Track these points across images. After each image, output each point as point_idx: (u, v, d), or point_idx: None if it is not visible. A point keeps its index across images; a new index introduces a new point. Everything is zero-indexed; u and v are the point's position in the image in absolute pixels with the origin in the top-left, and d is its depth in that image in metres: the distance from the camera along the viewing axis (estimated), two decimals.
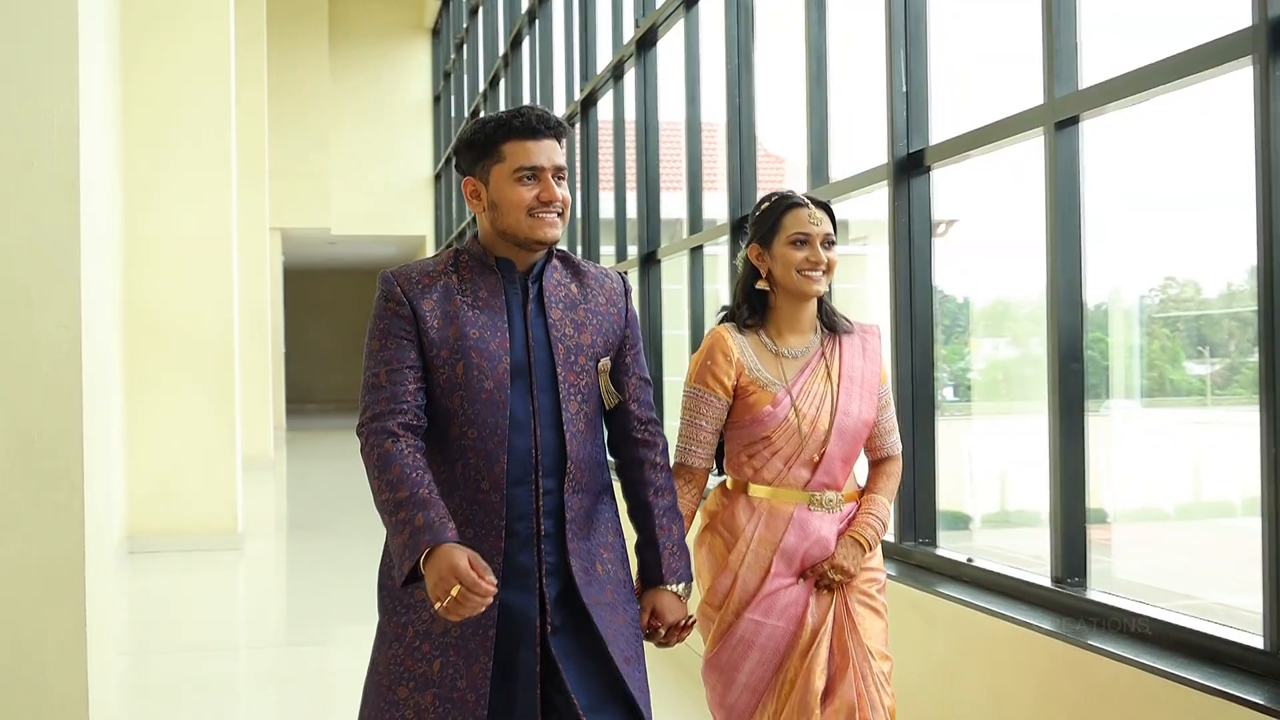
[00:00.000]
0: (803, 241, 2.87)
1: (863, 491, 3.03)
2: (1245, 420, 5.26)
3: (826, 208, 2.94)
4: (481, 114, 15.14)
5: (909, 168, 4.31)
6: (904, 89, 4.33)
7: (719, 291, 6.97)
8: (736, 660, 2.88)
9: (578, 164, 9.58)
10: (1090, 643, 3.10)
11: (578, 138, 9.55)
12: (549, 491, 2.49)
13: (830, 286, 2.96)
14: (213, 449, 9.41)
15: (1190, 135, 3.64)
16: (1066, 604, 3.37)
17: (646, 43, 7.71)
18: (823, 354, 2.93)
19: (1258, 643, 2.72)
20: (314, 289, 28.75)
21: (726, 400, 2.91)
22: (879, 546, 2.97)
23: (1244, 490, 5.26)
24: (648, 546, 2.67)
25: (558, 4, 10.77)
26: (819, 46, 5.13)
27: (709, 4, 6.65)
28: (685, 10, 6.87)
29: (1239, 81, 2.80)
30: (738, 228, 5.99)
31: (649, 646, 2.67)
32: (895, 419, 3.04)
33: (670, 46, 7.49)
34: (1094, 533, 6.41)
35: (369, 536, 9.89)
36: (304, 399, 27.22)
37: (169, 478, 9.22)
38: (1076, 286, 3.47)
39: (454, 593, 2.23)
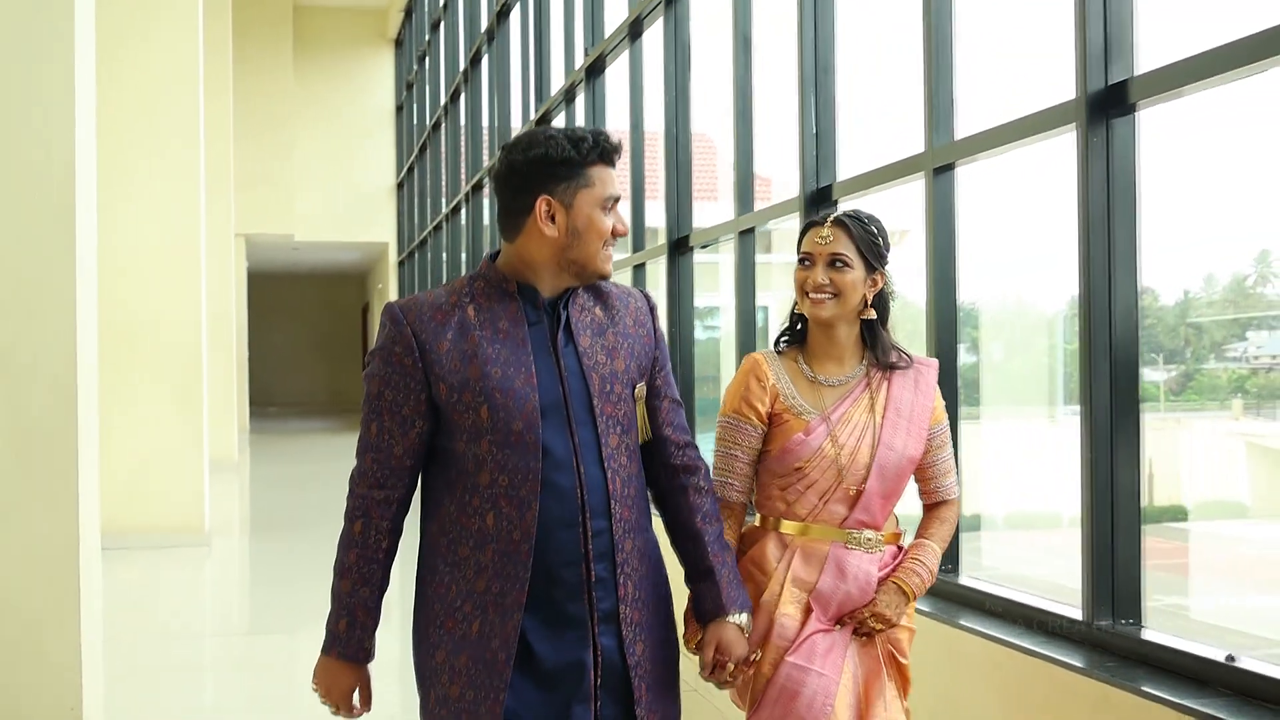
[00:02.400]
0: (807, 262, 2.69)
1: (917, 533, 2.79)
2: (1200, 426, 5.66)
3: (845, 225, 2.67)
4: (443, 125, 15.58)
5: (818, 200, 4.83)
6: (814, 130, 4.85)
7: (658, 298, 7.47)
8: (780, 717, 2.58)
9: None
10: (957, 621, 3.62)
11: None
12: (600, 533, 2.31)
13: (883, 315, 2.72)
14: (180, 450, 9.75)
15: (1147, 152, 4.01)
16: (939, 589, 3.89)
17: (595, 70, 8.21)
18: (868, 384, 2.70)
19: (1078, 615, 3.25)
20: (277, 293, 29.02)
21: (762, 428, 2.70)
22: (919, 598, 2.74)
23: (1196, 495, 5.70)
24: (703, 578, 2.48)
25: (515, 26, 11.25)
26: (744, 87, 5.64)
27: (651, 37, 7.15)
28: (630, 42, 7.37)
29: (1176, 110, 3.14)
30: (675, 247, 6.50)
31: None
32: (953, 460, 2.79)
33: (617, 73, 7.99)
34: (1045, 537, 6.62)
35: (331, 537, 10.34)
36: (266, 402, 27.49)
37: (138, 478, 9.55)
38: (950, 310, 3.99)
39: (330, 711, 2.43)
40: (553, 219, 2.29)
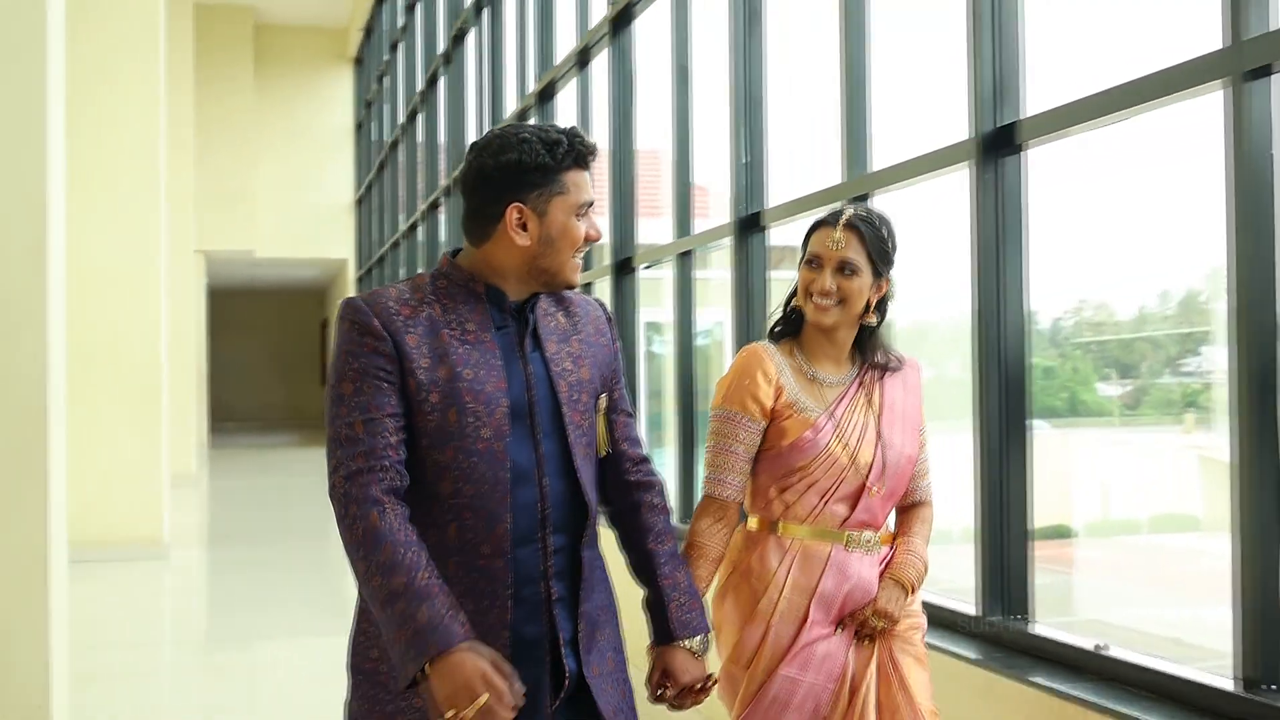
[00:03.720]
0: (815, 263, 2.59)
1: (895, 537, 2.73)
2: (1153, 440, 5.68)
3: (857, 229, 2.58)
4: (401, 144, 15.77)
5: (749, 225, 5.12)
6: (745, 160, 5.15)
7: None
8: None
9: None
10: None
11: None
12: (559, 550, 2.20)
13: (881, 319, 2.67)
14: (140, 464, 9.93)
15: (1102, 169, 4.17)
16: None
17: (546, 95, 8.49)
18: (861, 383, 2.65)
19: (971, 610, 3.54)
20: (237, 309, 29.11)
21: (763, 423, 2.60)
22: (919, 591, 2.70)
23: (1150, 508, 5.74)
24: (654, 601, 2.38)
25: (470, 50, 11.52)
26: (683, 116, 5.93)
27: (598, 66, 7.44)
28: (578, 70, 7.66)
29: (1129, 127, 3.28)
30: (619, 268, 6.79)
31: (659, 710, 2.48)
32: (929, 463, 2.77)
33: (567, 99, 8.27)
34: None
35: (287, 547, 10.58)
36: (226, 417, 27.53)
37: (98, 491, 9.70)
38: None
39: (480, 703, 1.94)
40: (524, 227, 2.17)
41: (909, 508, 2.74)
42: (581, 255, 2.23)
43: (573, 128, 2.22)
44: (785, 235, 5.39)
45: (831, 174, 4.53)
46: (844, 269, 2.56)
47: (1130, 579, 5.67)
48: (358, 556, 2.06)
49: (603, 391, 2.32)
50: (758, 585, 2.59)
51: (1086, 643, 3.14)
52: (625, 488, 2.39)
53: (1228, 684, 2.71)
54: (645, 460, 2.44)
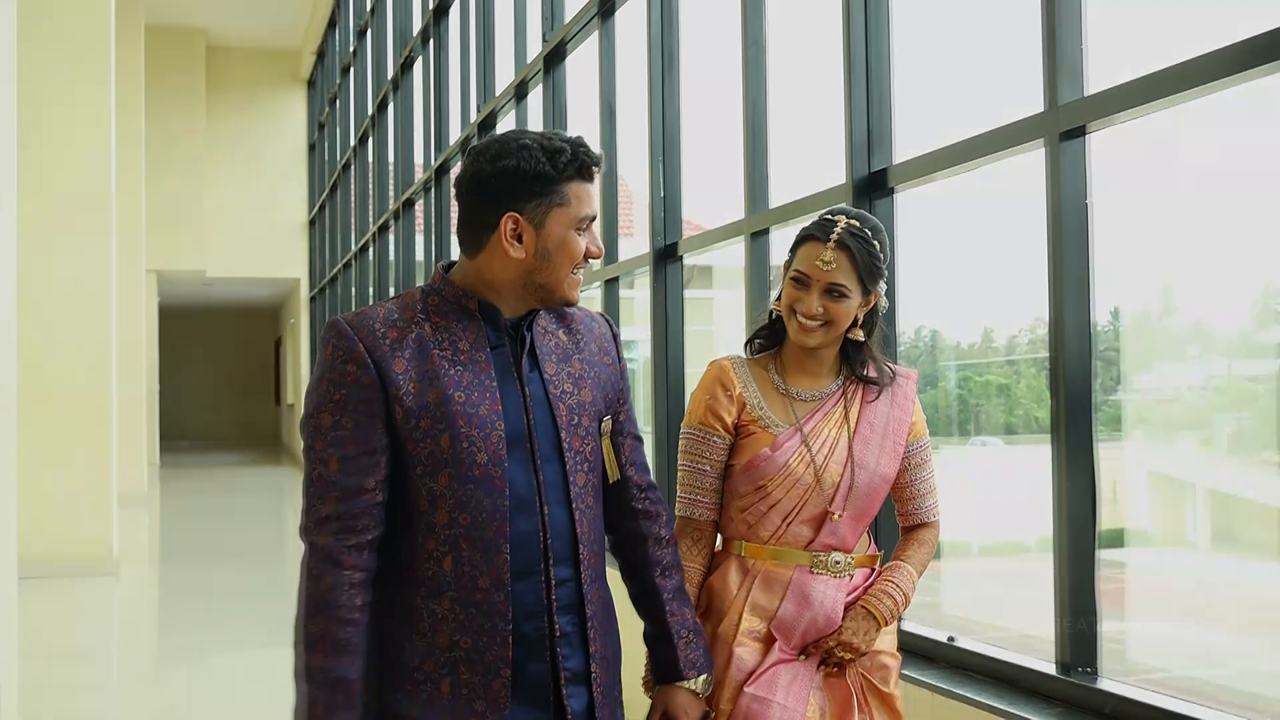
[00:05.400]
0: (801, 282, 2.43)
1: (881, 559, 2.57)
2: (1104, 456, 5.84)
3: (849, 249, 2.40)
4: (352, 166, 16.04)
5: (666, 255, 5.49)
6: (662, 194, 5.52)
7: None
8: None
9: (432, 222, 10.69)
10: None
11: (433, 198, 10.66)
12: (564, 582, 2.09)
13: (870, 330, 2.49)
14: (90, 484, 10.08)
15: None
16: None
17: (487, 125, 8.85)
18: (842, 395, 2.49)
19: None
20: (189, 328, 29.19)
21: (729, 439, 2.48)
22: (894, 626, 2.51)
23: (1100, 523, 6.06)
24: (659, 638, 2.29)
25: (418, 77, 11.86)
26: (609, 151, 6.30)
27: (534, 99, 7.81)
28: (516, 102, 8.03)
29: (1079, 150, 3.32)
30: None
31: None
32: (934, 480, 2.56)
33: (506, 128, 8.62)
34: (957, 564, 6.80)
35: (236, 565, 10.82)
36: (179, 436, 27.63)
37: (48, 509, 9.81)
38: None
39: None
40: (519, 239, 2.05)
41: (911, 529, 2.57)
42: (581, 271, 2.11)
43: (578, 137, 2.09)
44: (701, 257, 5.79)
45: (737, 208, 4.90)
46: (832, 292, 2.41)
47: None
48: (302, 605, 2.00)
49: (607, 414, 2.21)
50: (720, 607, 2.45)
51: (941, 635, 3.51)
52: (631, 515, 2.28)
53: (1050, 667, 3.08)
54: (652, 487, 2.33)
